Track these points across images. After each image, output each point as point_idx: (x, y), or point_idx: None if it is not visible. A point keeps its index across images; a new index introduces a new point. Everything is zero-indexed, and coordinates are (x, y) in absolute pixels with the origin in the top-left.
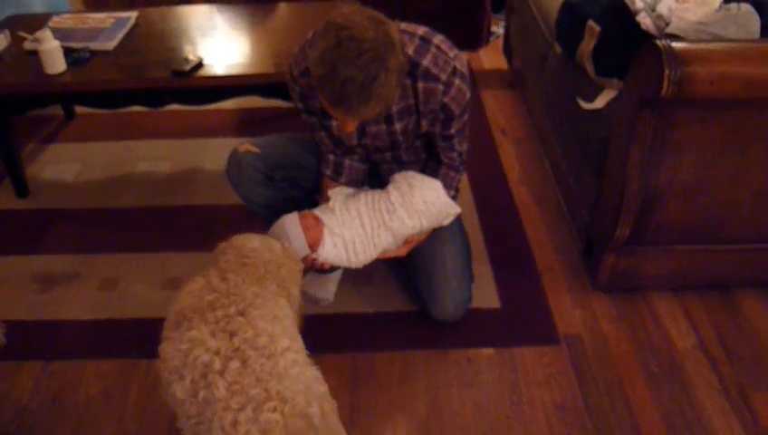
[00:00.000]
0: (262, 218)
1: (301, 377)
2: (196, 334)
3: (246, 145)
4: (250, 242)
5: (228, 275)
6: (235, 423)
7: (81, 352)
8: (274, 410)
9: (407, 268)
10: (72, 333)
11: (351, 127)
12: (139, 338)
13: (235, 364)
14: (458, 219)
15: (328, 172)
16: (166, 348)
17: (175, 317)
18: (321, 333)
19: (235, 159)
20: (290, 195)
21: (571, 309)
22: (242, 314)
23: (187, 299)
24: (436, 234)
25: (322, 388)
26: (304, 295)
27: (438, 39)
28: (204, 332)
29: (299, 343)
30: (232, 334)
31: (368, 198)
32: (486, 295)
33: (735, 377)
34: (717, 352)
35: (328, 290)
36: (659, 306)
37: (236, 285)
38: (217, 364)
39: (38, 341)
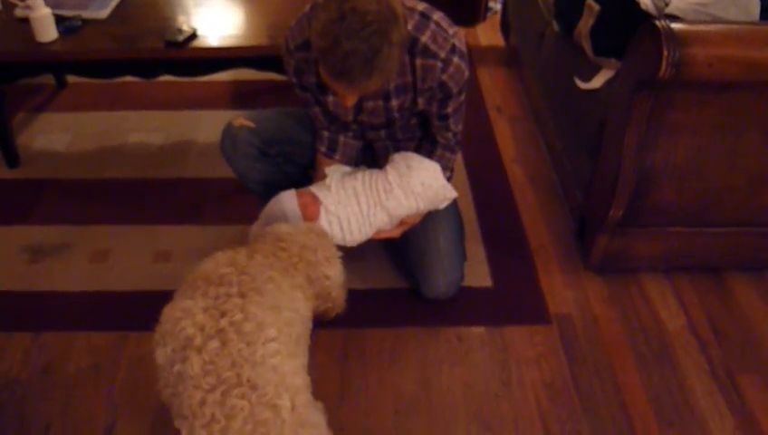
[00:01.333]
0: (256, 194)
1: (278, 368)
2: (190, 305)
3: (241, 120)
4: (285, 228)
5: (256, 255)
6: (202, 403)
7: (71, 323)
8: (242, 396)
9: (399, 246)
10: (62, 305)
11: (351, 101)
12: (129, 310)
13: (213, 344)
14: (453, 201)
15: (323, 149)
16: (167, 309)
17: (192, 278)
18: None
19: (229, 134)
20: (284, 170)
21: (562, 289)
22: (242, 295)
23: (207, 265)
24: (429, 212)
25: (299, 380)
26: None
27: (438, 16)
28: (198, 305)
29: (288, 336)
30: (222, 314)
31: (365, 177)
32: (478, 274)
33: (724, 359)
34: (707, 334)
35: None
36: (651, 288)
37: (255, 266)
38: (198, 340)
39: (28, 312)
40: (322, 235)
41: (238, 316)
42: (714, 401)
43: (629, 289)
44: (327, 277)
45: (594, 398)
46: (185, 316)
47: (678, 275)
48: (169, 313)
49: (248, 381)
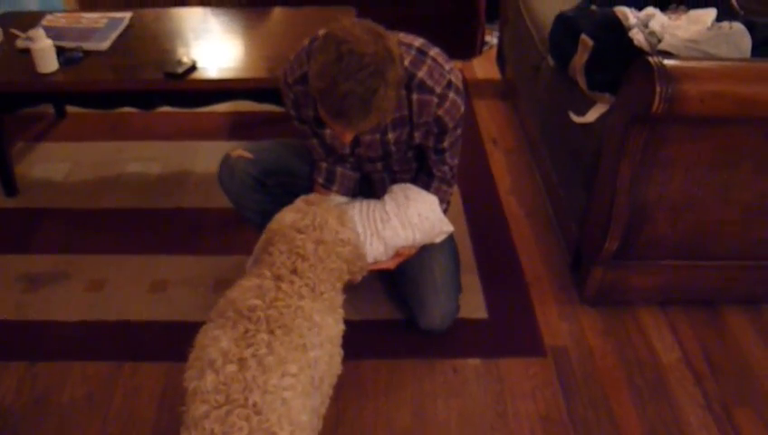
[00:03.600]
0: (253, 224)
1: (288, 401)
2: (219, 335)
3: (239, 150)
4: (289, 219)
5: (282, 283)
6: (205, 416)
7: (66, 353)
8: (245, 418)
9: (395, 277)
10: (57, 334)
11: (349, 137)
12: (124, 340)
13: (231, 368)
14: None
15: (320, 180)
16: (199, 336)
17: (222, 307)
18: None
19: (227, 165)
20: (282, 201)
21: (557, 321)
22: (270, 332)
23: (234, 293)
24: (427, 248)
25: (304, 418)
26: None
27: (435, 52)
28: (228, 335)
29: (309, 377)
30: (248, 346)
31: (362, 207)
32: (474, 306)
33: (719, 392)
34: (702, 368)
35: None
36: (645, 320)
37: (285, 297)
38: (218, 363)
39: (23, 341)
40: (319, 200)
41: (263, 350)
42: (709, 434)
43: (625, 322)
44: (347, 242)
45: (589, 430)
46: (212, 344)
47: (673, 308)
48: (200, 340)
49: (254, 405)
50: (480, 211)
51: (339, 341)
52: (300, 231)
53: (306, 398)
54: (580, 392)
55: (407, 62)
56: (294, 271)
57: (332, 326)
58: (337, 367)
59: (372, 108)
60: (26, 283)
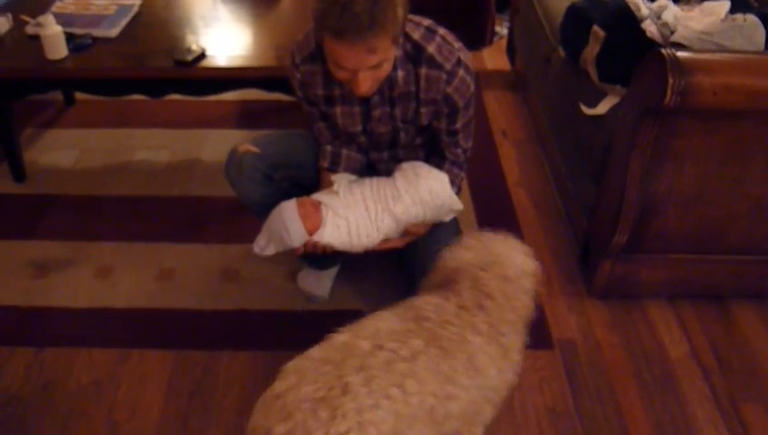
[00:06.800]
0: (255, 214)
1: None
2: (388, 316)
3: (246, 145)
4: (479, 259)
5: (464, 312)
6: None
7: (73, 340)
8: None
9: (403, 264)
10: (65, 321)
11: (363, 81)
12: (131, 328)
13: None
14: (455, 220)
15: (325, 164)
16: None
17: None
18: (316, 330)
19: (234, 160)
20: (290, 193)
21: (565, 314)
22: (427, 344)
23: (420, 301)
24: (433, 233)
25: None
26: (300, 292)
27: (443, 31)
28: (392, 319)
29: (429, 406)
30: (395, 341)
31: (373, 183)
32: None
33: (727, 387)
34: (710, 362)
35: (323, 287)
36: (654, 314)
37: (460, 325)
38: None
39: (31, 327)
40: (488, 236)
41: (404, 353)
42: (716, 429)
43: (633, 315)
44: (531, 273)
45: (596, 423)
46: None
47: (682, 302)
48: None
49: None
50: (489, 202)
51: (499, 392)
52: (482, 269)
53: (412, 421)
54: (588, 385)
55: (416, 36)
56: (480, 307)
57: (492, 377)
58: (484, 416)
59: (376, 20)
60: (34, 269)
